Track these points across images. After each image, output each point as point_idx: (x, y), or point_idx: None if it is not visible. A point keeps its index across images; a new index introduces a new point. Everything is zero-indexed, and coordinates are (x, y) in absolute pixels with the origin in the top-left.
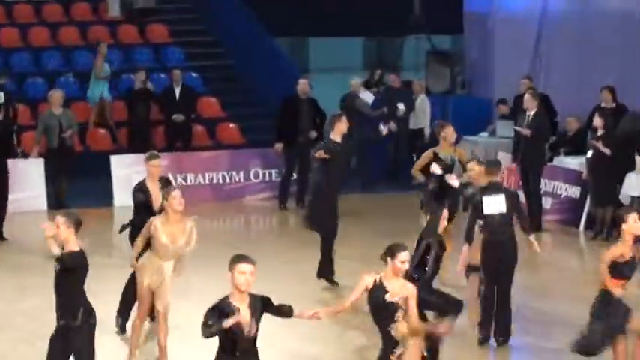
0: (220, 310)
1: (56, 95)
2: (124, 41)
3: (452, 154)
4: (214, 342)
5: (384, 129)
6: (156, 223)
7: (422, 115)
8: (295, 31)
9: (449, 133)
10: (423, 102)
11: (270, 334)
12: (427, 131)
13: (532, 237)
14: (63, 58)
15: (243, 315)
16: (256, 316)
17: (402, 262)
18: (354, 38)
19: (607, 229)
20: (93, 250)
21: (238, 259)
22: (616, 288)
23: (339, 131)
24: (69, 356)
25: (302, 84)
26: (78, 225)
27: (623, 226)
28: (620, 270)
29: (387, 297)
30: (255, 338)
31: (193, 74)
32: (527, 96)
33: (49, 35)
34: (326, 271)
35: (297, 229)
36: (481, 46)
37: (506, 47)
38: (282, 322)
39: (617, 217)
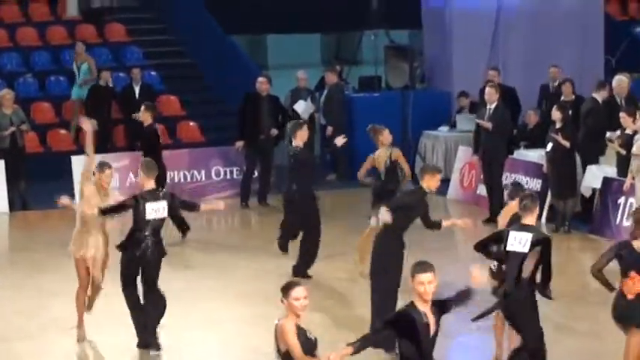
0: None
1: (7, 96)
2: (82, 41)
3: (388, 156)
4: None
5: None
6: None
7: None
8: (253, 29)
9: (385, 136)
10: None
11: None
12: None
13: None
14: (21, 59)
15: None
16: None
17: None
18: (312, 34)
19: (568, 221)
20: (56, 251)
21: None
22: None
23: (300, 138)
24: None
25: (261, 82)
26: None
27: None
28: None
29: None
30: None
31: (152, 73)
32: (488, 89)
33: (7, 36)
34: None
35: (260, 227)
36: (439, 40)
37: (465, 41)
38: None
39: None
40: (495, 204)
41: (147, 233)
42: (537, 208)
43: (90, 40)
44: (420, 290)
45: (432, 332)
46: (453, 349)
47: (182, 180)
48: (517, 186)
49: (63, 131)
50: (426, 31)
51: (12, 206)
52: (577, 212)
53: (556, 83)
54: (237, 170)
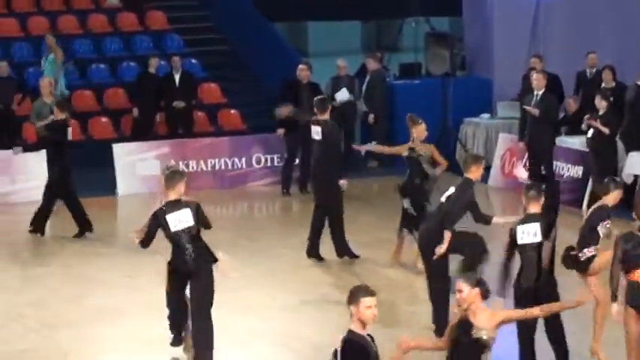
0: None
1: (44, 84)
2: (123, 29)
3: (414, 150)
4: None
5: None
6: None
7: None
8: (294, 16)
9: (419, 130)
10: None
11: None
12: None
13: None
14: (63, 47)
15: None
16: None
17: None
18: (352, 21)
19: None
20: (96, 239)
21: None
22: None
23: (329, 114)
24: None
25: (301, 70)
26: None
27: None
28: None
29: (474, 333)
30: None
31: (193, 60)
32: (536, 75)
33: (48, 25)
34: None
35: (301, 215)
36: (480, 27)
37: (505, 28)
38: (281, 306)
39: None
40: (546, 190)
41: (184, 242)
42: (542, 198)
43: (130, 28)
44: (367, 315)
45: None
46: None
47: (223, 167)
48: (613, 181)
49: (104, 119)
50: (467, 18)
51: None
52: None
53: (594, 70)
54: (278, 158)
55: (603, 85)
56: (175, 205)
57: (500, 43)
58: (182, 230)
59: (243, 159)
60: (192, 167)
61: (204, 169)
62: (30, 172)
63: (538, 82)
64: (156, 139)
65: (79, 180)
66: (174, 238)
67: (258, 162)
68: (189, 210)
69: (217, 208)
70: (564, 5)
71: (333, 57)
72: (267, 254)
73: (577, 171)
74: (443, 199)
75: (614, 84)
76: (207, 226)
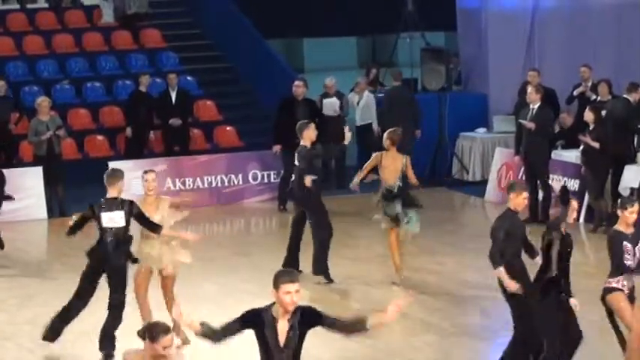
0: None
1: (42, 103)
2: (118, 47)
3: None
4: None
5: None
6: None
7: (367, 111)
8: (289, 33)
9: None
10: (367, 98)
11: None
12: (375, 126)
13: None
14: (58, 66)
15: (281, 328)
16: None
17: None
18: (348, 37)
19: (606, 221)
20: None
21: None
22: None
23: (308, 138)
24: None
25: (297, 86)
26: None
27: None
28: None
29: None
30: (293, 355)
31: (189, 78)
32: (530, 89)
33: (43, 43)
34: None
35: None
36: (475, 41)
37: (500, 42)
38: None
39: None
40: (543, 204)
41: (108, 240)
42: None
43: (125, 46)
44: (286, 300)
45: (281, 343)
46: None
47: (219, 184)
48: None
49: (100, 137)
50: (461, 33)
51: (50, 213)
52: (614, 212)
53: (589, 83)
54: (274, 174)
55: (599, 98)
56: (113, 203)
57: (495, 58)
58: (110, 228)
59: (240, 175)
60: (189, 184)
61: (201, 186)
62: (27, 190)
63: (530, 95)
64: (152, 156)
65: (75, 197)
66: (101, 232)
67: (255, 178)
68: (122, 212)
69: (214, 224)
70: (559, 19)
71: (329, 73)
72: (264, 270)
73: (573, 184)
74: None
75: (610, 97)
76: (153, 229)
